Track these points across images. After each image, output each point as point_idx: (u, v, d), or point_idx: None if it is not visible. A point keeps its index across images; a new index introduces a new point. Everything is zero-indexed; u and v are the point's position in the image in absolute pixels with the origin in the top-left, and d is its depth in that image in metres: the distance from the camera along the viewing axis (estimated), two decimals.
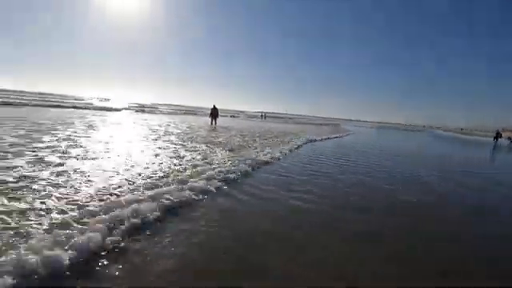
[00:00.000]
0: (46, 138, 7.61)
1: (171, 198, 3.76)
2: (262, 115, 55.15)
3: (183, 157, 6.93)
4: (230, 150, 8.59)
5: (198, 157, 7.05)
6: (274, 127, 25.83)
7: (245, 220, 3.58)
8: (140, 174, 4.93)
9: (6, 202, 3.21)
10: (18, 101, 26.98)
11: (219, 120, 21.39)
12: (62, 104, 30.01)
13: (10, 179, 3.98)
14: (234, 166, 6.07)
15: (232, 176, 5.38)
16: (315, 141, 15.54)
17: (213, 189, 4.52)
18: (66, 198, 3.48)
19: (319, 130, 29.66)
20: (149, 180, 4.63)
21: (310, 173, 6.68)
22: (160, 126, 16.08)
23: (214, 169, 5.72)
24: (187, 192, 4.10)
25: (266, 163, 7.19)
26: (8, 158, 5.11)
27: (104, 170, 4.96)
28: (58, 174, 4.44)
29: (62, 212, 3.07)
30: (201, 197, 4.15)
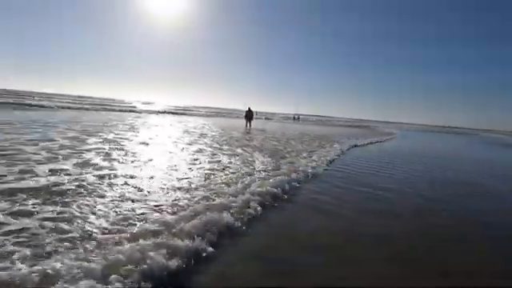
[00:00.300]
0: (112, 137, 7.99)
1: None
2: (294, 117, 54.27)
3: (225, 164, 6.75)
4: (270, 156, 8.26)
5: (238, 162, 6.83)
6: (309, 129, 25.05)
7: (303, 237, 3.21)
8: (188, 183, 4.81)
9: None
10: (68, 104, 29.62)
11: (253, 122, 21.27)
12: (108, 107, 32.33)
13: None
14: (282, 176, 5.48)
15: (280, 190, 4.70)
16: (359, 146, 14.16)
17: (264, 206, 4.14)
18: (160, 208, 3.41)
19: (355, 132, 28.13)
20: (187, 194, 4.47)
21: (370, 191, 5.46)
22: (196, 128, 16.35)
23: (260, 179, 5.41)
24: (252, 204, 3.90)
25: (315, 175, 6.28)
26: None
27: (174, 179, 4.93)
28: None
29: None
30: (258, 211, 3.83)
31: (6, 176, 4.12)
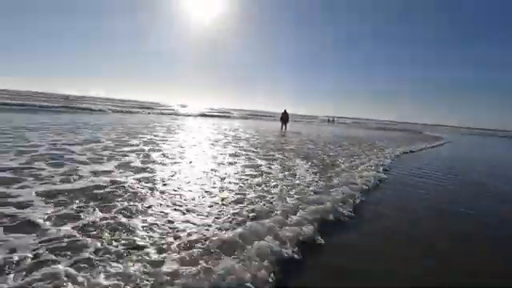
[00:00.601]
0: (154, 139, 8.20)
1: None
2: (329, 119, 52.53)
3: (263, 170, 6.43)
4: (310, 161, 7.76)
5: (278, 167, 6.47)
6: (346, 133, 23.83)
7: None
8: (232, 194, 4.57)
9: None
10: (116, 108, 31.77)
11: (288, 125, 20.77)
12: (150, 110, 34.17)
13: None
14: (344, 188, 5.02)
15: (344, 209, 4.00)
16: (410, 152, 12.44)
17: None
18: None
19: (396, 136, 26.08)
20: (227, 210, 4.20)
21: (450, 209, 4.70)
22: (231, 130, 16.35)
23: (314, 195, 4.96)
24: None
25: (373, 186, 5.55)
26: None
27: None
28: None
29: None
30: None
31: (53, 177, 4.23)
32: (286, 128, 19.57)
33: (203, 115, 36.85)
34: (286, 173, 5.92)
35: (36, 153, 5.74)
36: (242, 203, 3.86)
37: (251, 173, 5.66)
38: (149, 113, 30.06)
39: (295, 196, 4.35)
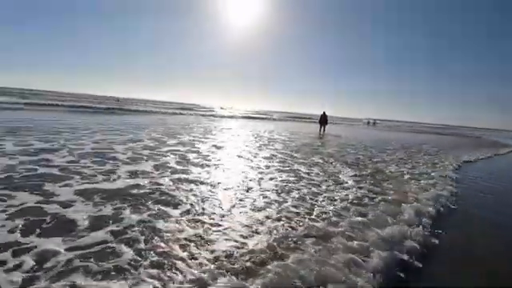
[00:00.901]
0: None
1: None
2: (369, 122, 49.70)
3: (300, 175, 6.04)
4: (353, 167, 7.15)
5: (320, 173, 6.02)
6: (388, 136, 22.08)
7: None
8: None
9: None
10: (155, 109, 33.61)
11: (327, 127, 19.92)
12: (190, 112, 35.57)
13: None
14: (404, 205, 4.08)
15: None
16: (473, 161, 10.56)
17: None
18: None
19: (451, 141, 23.39)
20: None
21: None
22: (269, 132, 16.12)
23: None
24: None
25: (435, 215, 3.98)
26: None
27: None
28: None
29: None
30: None
31: (95, 176, 4.33)
32: (324, 130, 18.82)
33: (242, 117, 37.29)
34: (330, 182, 5.43)
35: (83, 151, 6.06)
36: (284, 221, 3.53)
37: (289, 178, 5.30)
38: (190, 114, 31.20)
39: (349, 219, 3.57)
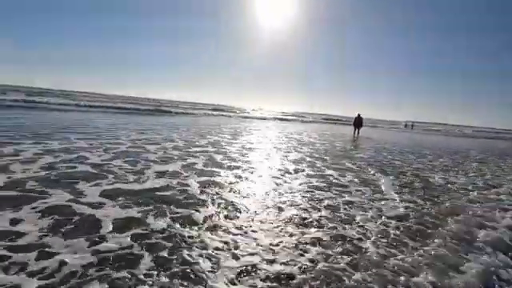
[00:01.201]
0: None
1: None
2: (406, 124, 46.51)
3: (331, 181, 5.61)
4: (394, 176, 6.53)
5: (354, 179, 5.55)
6: (428, 140, 20.28)
7: None
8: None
9: None
10: (192, 111, 34.63)
11: (362, 130, 18.89)
12: (222, 113, 36.19)
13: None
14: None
15: None
16: None
17: None
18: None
19: (508, 146, 20.79)
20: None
21: None
22: (299, 134, 15.68)
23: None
24: None
25: None
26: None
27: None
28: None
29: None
30: None
31: (125, 175, 4.36)
32: (358, 133, 17.85)
33: (273, 118, 37.03)
34: (366, 190, 4.95)
35: (118, 150, 6.24)
36: (319, 237, 3.20)
37: (319, 184, 4.91)
38: (222, 115, 31.69)
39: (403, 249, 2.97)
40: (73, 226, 2.61)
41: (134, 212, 3.04)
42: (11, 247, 2.20)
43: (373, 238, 2.95)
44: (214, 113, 33.81)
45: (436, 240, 3.06)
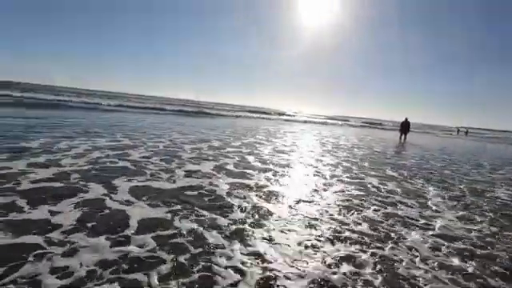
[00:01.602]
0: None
1: None
2: (459, 130, 41.64)
3: (370, 190, 5.07)
4: (445, 190, 5.71)
5: (394, 188, 4.95)
6: (486, 148, 17.71)
7: None
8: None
9: None
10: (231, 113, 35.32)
11: (408, 135, 17.32)
12: (259, 115, 36.35)
13: None
14: None
15: None
16: None
17: None
18: None
19: None
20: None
21: None
22: (335, 137, 14.90)
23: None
24: None
25: None
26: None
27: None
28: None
29: None
30: None
31: (159, 173, 4.40)
32: (405, 139, 16.37)
33: (312, 121, 36.10)
34: (412, 202, 4.34)
35: (157, 148, 6.43)
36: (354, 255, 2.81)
37: (357, 192, 4.42)
38: (261, 118, 31.73)
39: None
40: (98, 222, 2.60)
41: (160, 212, 2.98)
42: (45, 239, 2.26)
43: (420, 262, 2.46)
44: (253, 115, 33.99)
45: (502, 270, 2.45)
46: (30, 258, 1.99)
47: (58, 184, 3.48)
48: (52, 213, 2.70)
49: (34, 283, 1.76)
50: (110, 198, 3.18)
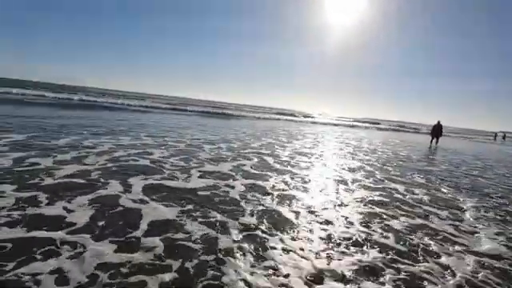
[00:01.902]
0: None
1: None
2: (496, 135, 38.22)
3: (398, 196, 4.65)
4: (479, 200, 5.12)
5: (422, 197, 4.49)
6: None
7: None
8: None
9: None
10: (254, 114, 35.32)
11: (440, 139, 16.14)
12: (281, 117, 36.02)
13: None
14: None
15: None
16: None
17: None
18: None
19: None
20: None
21: None
22: (359, 140, 14.21)
23: None
24: None
25: None
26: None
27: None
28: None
29: None
30: None
31: (174, 173, 4.33)
32: (436, 143, 15.27)
33: (336, 123, 35.08)
34: (446, 215, 3.88)
35: (178, 148, 6.43)
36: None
37: (381, 199, 4.04)
38: (285, 119, 31.42)
39: None
40: (108, 222, 2.52)
41: (171, 212, 2.86)
42: (55, 236, 2.22)
43: (457, 286, 2.10)
44: (277, 117, 33.69)
45: None
46: (37, 255, 1.95)
47: (78, 180, 3.52)
48: (67, 210, 2.68)
49: (34, 282, 1.70)
50: (125, 197, 3.13)
